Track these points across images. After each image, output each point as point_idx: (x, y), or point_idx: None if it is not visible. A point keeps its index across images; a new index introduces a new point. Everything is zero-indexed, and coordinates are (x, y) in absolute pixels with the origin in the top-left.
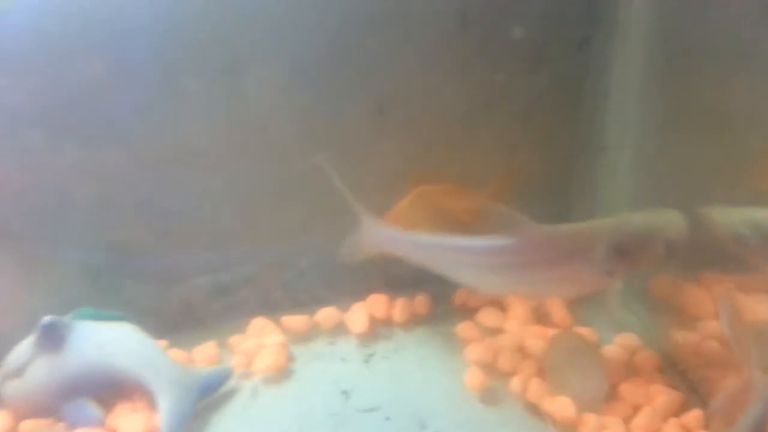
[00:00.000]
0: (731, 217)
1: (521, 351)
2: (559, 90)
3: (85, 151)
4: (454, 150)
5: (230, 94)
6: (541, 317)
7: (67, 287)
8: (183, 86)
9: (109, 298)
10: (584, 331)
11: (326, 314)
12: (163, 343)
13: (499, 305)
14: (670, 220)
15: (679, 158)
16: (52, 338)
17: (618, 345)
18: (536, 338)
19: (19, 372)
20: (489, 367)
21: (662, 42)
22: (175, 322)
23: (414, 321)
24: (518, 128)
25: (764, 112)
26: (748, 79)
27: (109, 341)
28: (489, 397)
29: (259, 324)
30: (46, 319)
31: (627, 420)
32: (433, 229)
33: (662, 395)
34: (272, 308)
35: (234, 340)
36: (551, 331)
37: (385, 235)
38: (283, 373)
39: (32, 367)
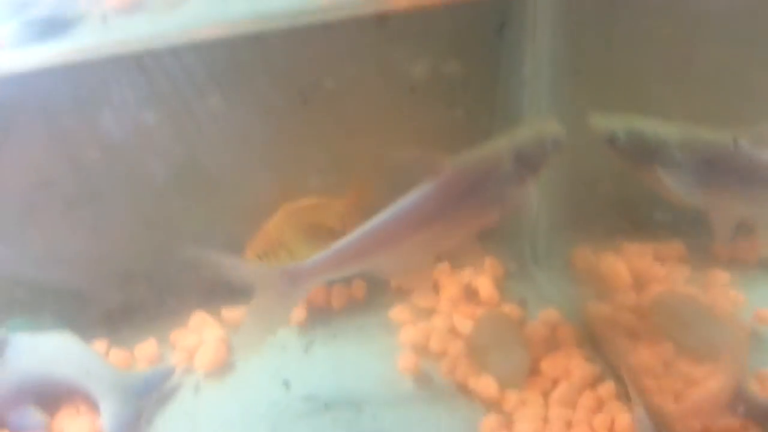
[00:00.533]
0: (610, 121)
1: (452, 331)
2: (478, 76)
3: None
4: (380, 136)
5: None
6: (470, 295)
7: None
8: None
9: (43, 299)
10: (510, 308)
11: None
12: (103, 342)
13: (434, 286)
14: (550, 125)
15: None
16: None
17: (540, 321)
18: (466, 318)
19: None
20: (422, 349)
21: (571, 28)
22: (113, 317)
23: (352, 307)
24: (442, 112)
25: (677, 102)
26: (656, 66)
27: (47, 352)
28: (421, 378)
29: (199, 318)
30: None
31: (546, 394)
32: (306, 246)
33: (578, 369)
34: (212, 298)
35: (175, 335)
36: (480, 310)
37: (306, 272)
38: (224, 367)
39: None
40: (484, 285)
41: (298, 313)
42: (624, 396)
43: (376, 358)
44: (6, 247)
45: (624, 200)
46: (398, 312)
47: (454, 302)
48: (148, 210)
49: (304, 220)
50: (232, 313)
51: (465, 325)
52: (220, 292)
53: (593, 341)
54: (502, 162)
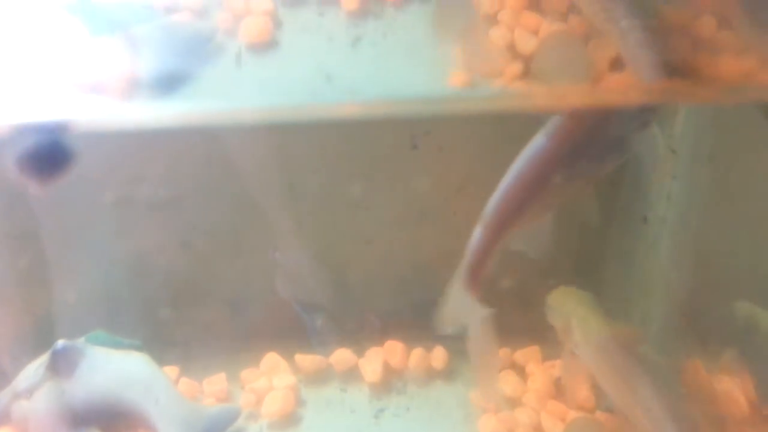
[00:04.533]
0: None
1: (537, 430)
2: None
3: None
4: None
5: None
6: (562, 392)
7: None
8: None
9: (124, 318)
10: (607, 418)
11: (341, 357)
12: (174, 369)
13: (520, 371)
14: None
15: (724, 239)
16: (64, 363)
17: None
18: (555, 419)
19: (28, 393)
20: None
21: (714, 117)
22: (188, 343)
23: (429, 376)
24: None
25: None
26: None
27: (120, 372)
28: None
29: (272, 360)
30: (60, 343)
31: None
32: None
33: None
34: (287, 340)
35: (246, 374)
36: (571, 413)
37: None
38: (290, 419)
39: (41, 390)
40: (580, 385)
41: (373, 371)
42: None
43: None
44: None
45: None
46: (480, 396)
47: (542, 397)
48: (244, 236)
49: None
50: (306, 361)
51: (554, 428)
52: (295, 335)
53: None
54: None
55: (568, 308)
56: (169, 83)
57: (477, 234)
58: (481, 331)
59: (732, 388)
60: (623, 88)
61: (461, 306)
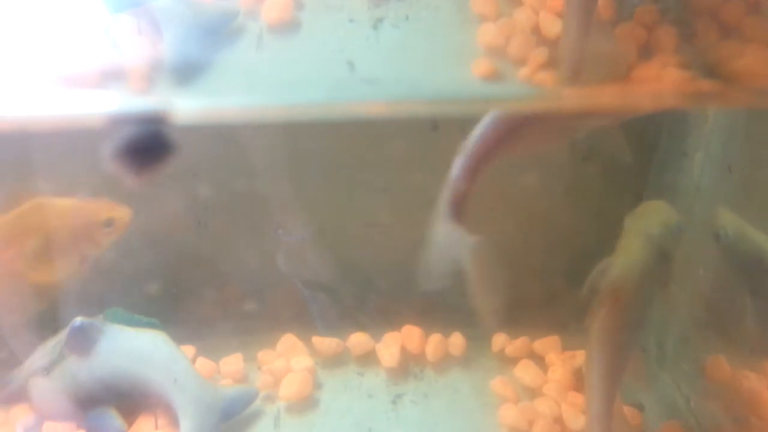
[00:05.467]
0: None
1: (558, 422)
2: (634, 146)
3: None
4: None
5: None
6: (582, 383)
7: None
8: None
9: (142, 297)
10: (628, 411)
11: (358, 340)
12: (191, 349)
13: (539, 360)
14: None
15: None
16: (82, 341)
17: None
18: (575, 410)
19: (45, 371)
20: None
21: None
22: (205, 326)
23: (447, 362)
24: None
25: None
26: None
27: (139, 351)
28: None
29: (289, 341)
30: (78, 320)
31: None
32: (45, 248)
33: None
34: (304, 322)
35: (262, 355)
36: None
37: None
38: (308, 402)
39: (59, 368)
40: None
41: (390, 356)
42: None
43: None
44: None
45: None
46: (501, 384)
47: (563, 387)
48: (261, 217)
49: (50, 218)
50: (323, 343)
51: (574, 419)
52: (311, 317)
53: None
54: None
55: (630, 229)
56: (192, 62)
57: (457, 163)
58: (475, 261)
59: (757, 386)
60: (655, 90)
61: (449, 241)
